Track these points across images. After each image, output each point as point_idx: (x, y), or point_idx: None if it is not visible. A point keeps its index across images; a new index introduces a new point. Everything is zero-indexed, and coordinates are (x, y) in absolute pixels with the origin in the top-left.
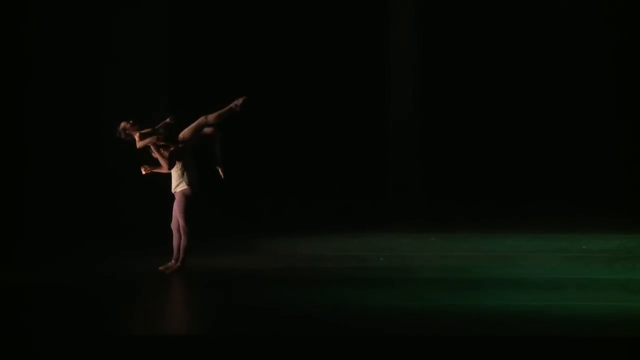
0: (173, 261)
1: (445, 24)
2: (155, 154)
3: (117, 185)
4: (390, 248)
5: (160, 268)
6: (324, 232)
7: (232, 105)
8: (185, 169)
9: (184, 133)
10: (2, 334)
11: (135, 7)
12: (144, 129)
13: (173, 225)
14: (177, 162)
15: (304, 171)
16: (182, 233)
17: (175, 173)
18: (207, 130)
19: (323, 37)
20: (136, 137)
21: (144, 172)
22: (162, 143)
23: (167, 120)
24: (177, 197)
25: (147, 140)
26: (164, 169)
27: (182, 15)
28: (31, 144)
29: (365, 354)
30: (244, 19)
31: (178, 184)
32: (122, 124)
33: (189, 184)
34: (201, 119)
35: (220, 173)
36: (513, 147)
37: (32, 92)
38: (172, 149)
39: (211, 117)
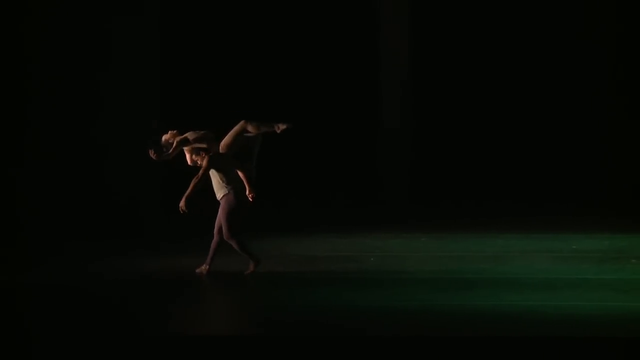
0: (205, 265)
1: (437, 31)
2: (195, 158)
3: (116, 188)
4: (381, 248)
5: (197, 271)
6: (315, 232)
7: (275, 126)
8: (226, 176)
9: (225, 140)
10: (4, 334)
11: (127, 15)
12: (182, 135)
13: (216, 230)
14: (216, 170)
15: (295, 172)
16: (226, 239)
17: (214, 181)
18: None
19: (314, 43)
20: (178, 140)
21: (184, 208)
22: (203, 145)
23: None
24: (221, 203)
25: (191, 143)
26: (193, 185)
27: (174, 23)
28: (27, 146)
29: (357, 355)
30: (234, 30)
31: (219, 191)
32: (164, 137)
33: (232, 189)
34: (241, 123)
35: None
36: (503, 148)
37: (30, 94)
38: (210, 154)
39: (250, 127)
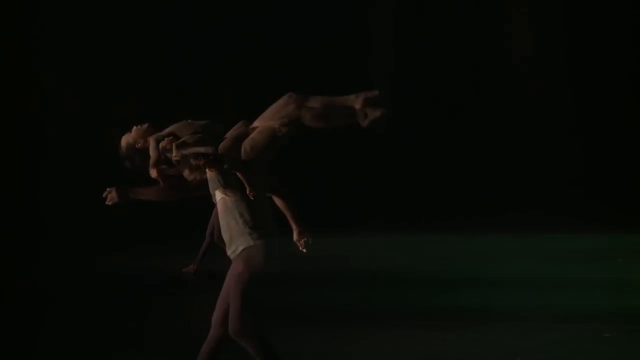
0: (193, 265)
1: (425, 30)
2: (193, 161)
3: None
4: (367, 248)
5: (184, 270)
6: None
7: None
8: (223, 179)
9: (224, 144)
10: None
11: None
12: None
13: (208, 232)
14: (213, 173)
15: (286, 172)
16: (217, 241)
17: (211, 184)
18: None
19: (306, 43)
20: (176, 144)
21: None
22: (201, 149)
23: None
24: (217, 206)
25: (190, 146)
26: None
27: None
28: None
29: (343, 354)
30: (226, 27)
31: (216, 194)
32: (161, 144)
33: (229, 193)
34: (242, 130)
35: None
36: (492, 148)
37: (32, 95)
38: (209, 157)
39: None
